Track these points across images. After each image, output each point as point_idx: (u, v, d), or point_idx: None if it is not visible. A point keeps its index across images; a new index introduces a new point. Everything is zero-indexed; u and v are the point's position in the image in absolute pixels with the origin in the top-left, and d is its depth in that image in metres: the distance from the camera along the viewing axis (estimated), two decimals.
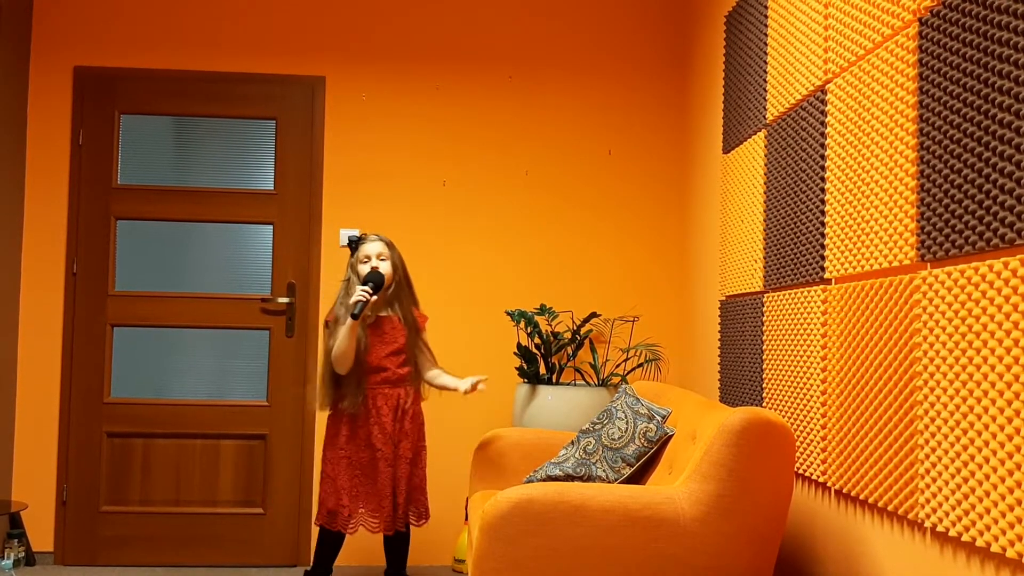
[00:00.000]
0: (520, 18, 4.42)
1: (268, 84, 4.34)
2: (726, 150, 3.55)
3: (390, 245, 3.50)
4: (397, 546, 3.52)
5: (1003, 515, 1.67)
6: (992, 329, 1.71)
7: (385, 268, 3.44)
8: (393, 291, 3.47)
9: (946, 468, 1.87)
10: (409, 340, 3.46)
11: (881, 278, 2.19)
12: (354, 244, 3.50)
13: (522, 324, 4.04)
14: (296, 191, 4.32)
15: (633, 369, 4.20)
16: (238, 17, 4.34)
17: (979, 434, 1.75)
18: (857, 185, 2.33)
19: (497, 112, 4.39)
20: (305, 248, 4.30)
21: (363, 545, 4.14)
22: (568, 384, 3.95)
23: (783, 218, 2.88)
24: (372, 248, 3.45)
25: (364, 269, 3.42)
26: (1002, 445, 1.67)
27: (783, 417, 2.75)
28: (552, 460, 2.99)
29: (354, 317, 3.28)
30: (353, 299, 3.31)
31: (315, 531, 4.17)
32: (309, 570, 3.53)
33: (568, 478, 2.86)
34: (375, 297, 3.34)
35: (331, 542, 3.47)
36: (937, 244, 1.92)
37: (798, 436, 2.70)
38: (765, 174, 3.06)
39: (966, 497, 1.79)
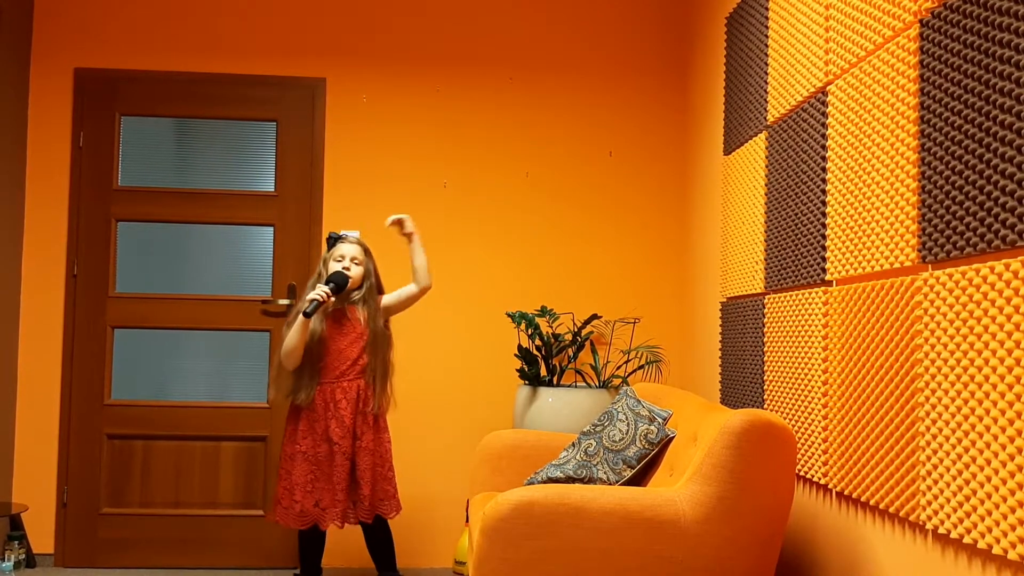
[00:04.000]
0: (521, 20, 4.42)
1: (269, 86, 4.34)
2: (727, 151, 3.55)
3: (367, 252, 3.50)
4: (378, 544, 3.50)
5: (1004, 517, 1.66)
6: (993, 331, 1.71)
7: (355, 272, 3.43)
8: (362, 294, 3.45)
9: (948, 470, 1.87)
10: (370, 339, 3.41)
11: (882, 279, 2.19)
12: (332, 241, 3.51)
13: (523, 326, 4.04)
14: (296, 193, 4.32)
15: (634, 371, 4.19)
16: (238, 19, 4.34)
17: (980, 436, 1.74)
18: (858, 186, 2.32)
19: (498, 114, 4.39)
20: (305, 250, 4.30)
21: (353, 547, 4.13)
22: (569, 386, 3.94)
23: (784, 220, 2.87)
24: (348, 249, 3.45)
25: (335, 267, 3.42)
26: (1004, 447, 1.67)
27: (784, 419, 2.74)
28: (553, 462, 2.98)
29: (305, 315, 3.28)
30: (309, 296, 3.31)
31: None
32: (297, 573, 3.52)
33: (569, 480, 2.86)
34: (332, 299, 3.34)
35: (311, 542, 3.47)
36: (938, 246, 1.92)
37: (799, 438, 2.69)
38: (766, 176, 3.06)
39: (968, 499, 1.79)
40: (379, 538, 3.50)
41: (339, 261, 3.43)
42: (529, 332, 3.98)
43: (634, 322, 4.37)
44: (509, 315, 4.05)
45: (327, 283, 3.34)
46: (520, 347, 3.92)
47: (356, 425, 3.37)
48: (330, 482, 3.35)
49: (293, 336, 3.34)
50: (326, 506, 3.34)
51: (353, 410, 3.37)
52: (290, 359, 3.37)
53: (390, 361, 3.48)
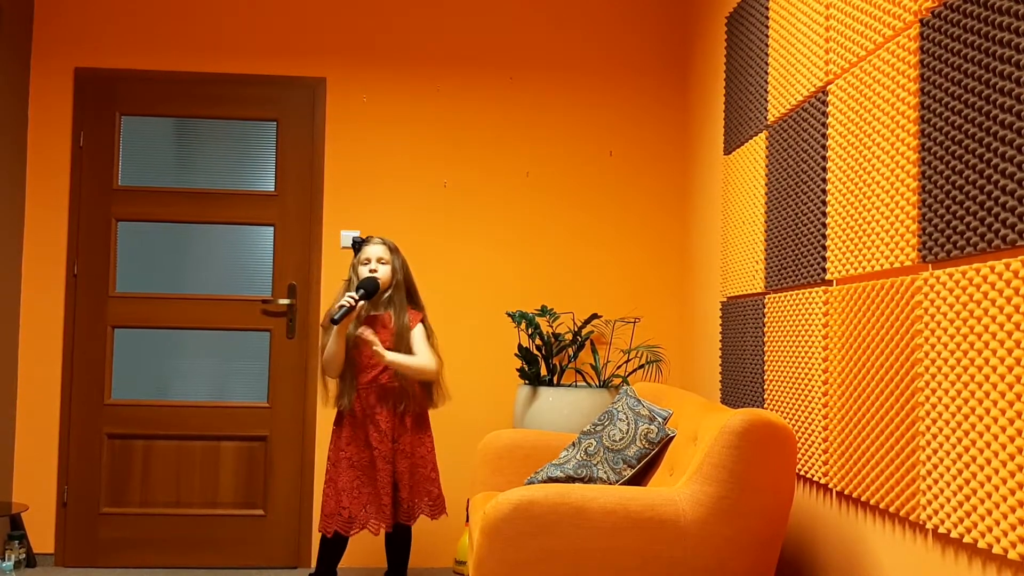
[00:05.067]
0: (521, 20, 4.42)
1: (269, 86, 4.34)
2: (727, 151, 3.55)
3: (393, 250, 3.50)
4: (398, 546, 3.51)
5: (1005, 517, 1.66)
6: (993, 330, 1.71)
7: (383, 272, 3.44)
8: (390, 294, 3.46)
9: (948, 470, 1.87)
10: (397, 340, 3.41)
11: (883, 279, 2.19)
12: (357, 245, 3.51)
13: (523, 325, 4.04)
14: (297, 192, 4.32)
15: (634, 370, 4.19)
16: (239, 18, 4.34)
17: (981, 435, 1.75)
18: (858, 186, 2.32)
19: (498, 113, 4.39)
20: (306, 250, 4.30)
21: (364, 546, 4.13)
22: (569, 385, 3.94)
23: (784, 219, 2.87)
24: (373, 251, 3.46)
25: (364, 271, 3.43)
26: (1004, 447, 1.67)
27: (785, 418, 2.74)
28: (553, 462, 2.99)
29: (333, 322, 3.28)
30: (338, 303, 3.32)
31: (316, 533, 4.17)
32: (312, 573, 3.52)
33: (569, 480, 2.86)
34: (361, 304, 3.33)
35: (333, 546, 3.46)
36: (938, 245, 1.92)
37: (800, 437, 2.69)
38: (766, 175, 3.06)
39: (968, 499, 1.79)
40: (399, 541, 3.51)
41: (366, 264, 3.44)
42: (529, 332, 3.98)
43: (634, 322, 4.37)
44: (509, 315, 4.05)
45: (357, 290, 3.33)
46: (520, 347, 3.92)
47: (394, 429, 3.38)
48: (375, 487, 3.35)
49: (330, 345, 3.36)
50: (373, 511, 3.35)
51: (391, 414, 3.37)
52: (330, 368, 3.39)
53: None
